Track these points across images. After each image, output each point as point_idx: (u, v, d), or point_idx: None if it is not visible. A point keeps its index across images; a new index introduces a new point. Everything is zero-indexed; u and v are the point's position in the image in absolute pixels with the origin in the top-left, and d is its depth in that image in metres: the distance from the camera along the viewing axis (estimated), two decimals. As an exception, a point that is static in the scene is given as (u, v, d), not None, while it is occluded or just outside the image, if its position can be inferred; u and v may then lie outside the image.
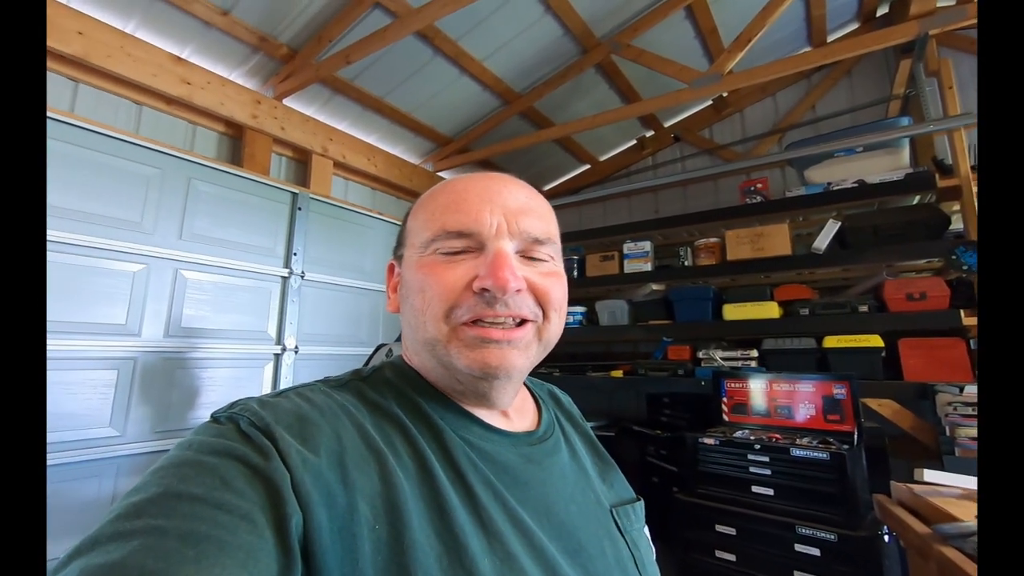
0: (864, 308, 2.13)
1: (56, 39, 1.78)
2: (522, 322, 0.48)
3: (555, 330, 0.52)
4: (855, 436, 1.77)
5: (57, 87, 1.90)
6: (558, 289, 0.51)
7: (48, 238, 1.70)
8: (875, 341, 2.06)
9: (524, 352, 0.49)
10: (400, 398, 0.50)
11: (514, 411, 0.57)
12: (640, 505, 0.60)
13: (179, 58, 2.15)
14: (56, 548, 1.65)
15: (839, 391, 1.90)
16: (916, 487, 1.21)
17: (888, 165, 2.34)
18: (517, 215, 0.50)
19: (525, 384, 0.64)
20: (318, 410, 0.43)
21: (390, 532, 0.37)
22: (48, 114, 1.74)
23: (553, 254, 0.53)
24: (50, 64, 1.86)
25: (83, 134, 1.82)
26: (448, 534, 0.40)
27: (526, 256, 0.51)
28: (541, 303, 0.49)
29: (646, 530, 0.59)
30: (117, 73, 1.95)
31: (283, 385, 2.35)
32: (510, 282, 0.46)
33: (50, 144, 1.74)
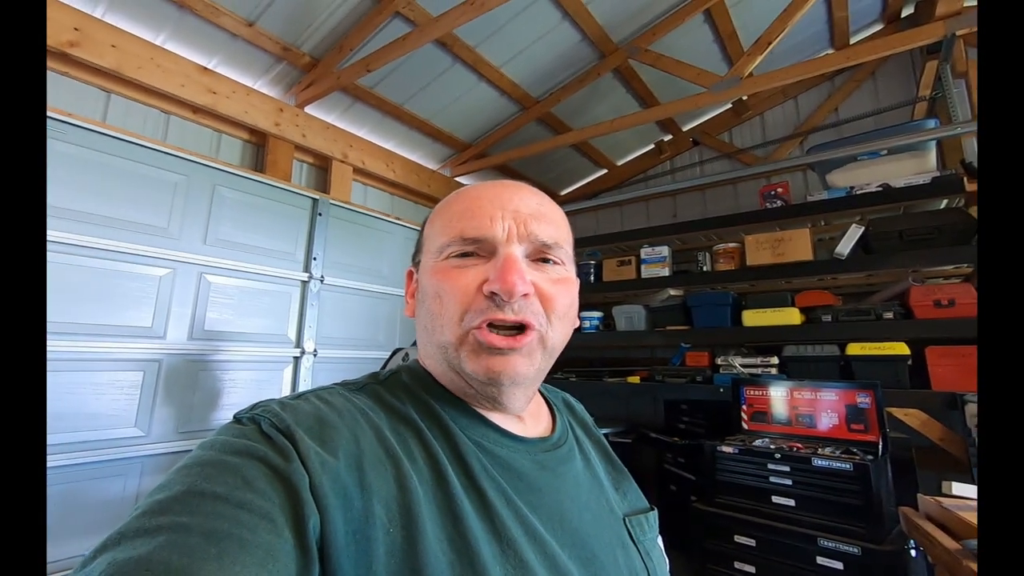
0: (889, 315, 2.08)
1: (91, 52, 1.85)
2: (526, 329, 0.48)
3: (559, 336, 0.52)
4: (880, 446, 1.72)
5: (91, 98, 1.97)
6: (565, 296, 0.52)
7: (79, 243, 1.76)
8: (901, 349, 2.01)
9: (528, 359, 0.49)
10: (416, 402, 0.50)
11: (529, 416, 0.57)
12: (654, 515, 0.59)
13: (206, 68, 2.22)
14: (82, 545, 1.71)
15: (863, 400, 1.85)
16: (945, 500, 1.18)
17: (914, 168, 2.29)
18: (527, 220, 0.50)
19: (540, 391, 0.64)
20: (337, 413, 0.43)
21: (404, 537, 0.38)
22: (82, 124, 1.80)
23: (564, 258, 0.53)
24: (85, 76, 1.93)
25: (114, 143, 1.89)
26: (461, 540, 0.40)
27: (537, 260, 0.51)
28: (546, 309, 0.50)
29: (660, 540, 0.58)
30: (147, 84, 2.02)
31: (302, 388, 2.38)
32: (517, 285, 0.46)
33: (83, 153, 1.81)
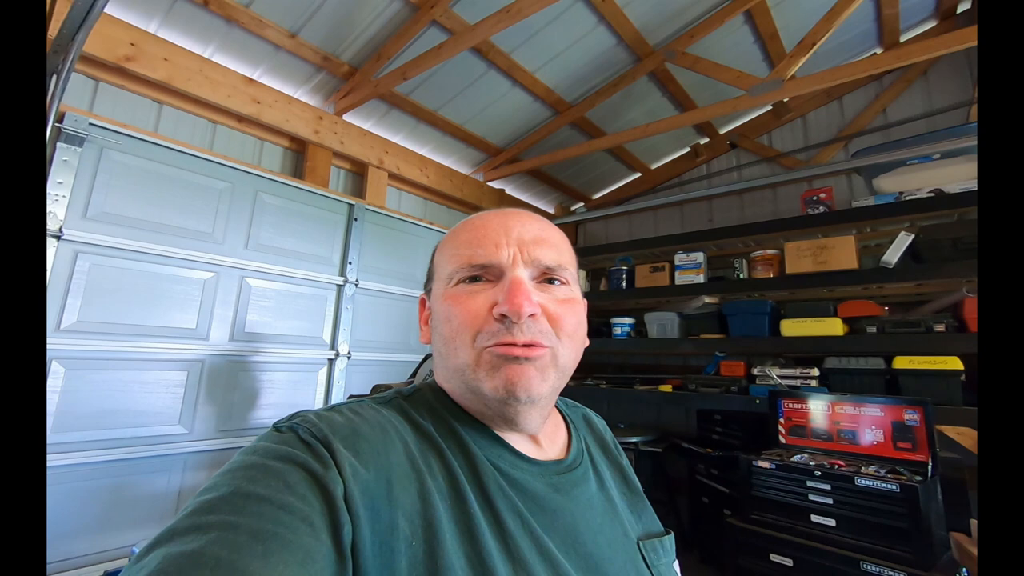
0: (941, 327, 1.97)
1: (145, 66, 1.95)
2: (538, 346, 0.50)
3: (570, 355, 0.53)
4: (929, 467, 1.63)
5: (144, 109, 2.08)
6: (571, 315, 0.53)
7: (132, 248, 1.86)
8: (954, 363, 1.91)
9: (542, 374, 0.50)
10: (437, 420, 0.52)
11: (545, 437, 0.57)
12: (669, 539, 0.59)
13: (251, 79, 2.30)
14: (129, 536, 1.79)
15: (911, 417, 1.76)
16: (1001, 529, 1.11)
17: (970, 173, 2.17)
18: (530, 245, 0.53)
19: (558, 408, 0.65)
20: (368, 426, 0.45)
21: (425, 551, 0.39)
22: (137, 135, 1.90)
23: (568, 279, 0.56)
24: (139, 88, 2.04)
25: (165, 152, 1.99)
26: (477, 559, 0.41)
27: (543, 281, 0.54)
28: (554, 328, 0.51)
29: (676, 565, 0.58)
30: (196, 95, 2.11)
31: (336, 390, 2.44)
32: (524, 307, 0.48)
33: (137, 162, 1.91)
